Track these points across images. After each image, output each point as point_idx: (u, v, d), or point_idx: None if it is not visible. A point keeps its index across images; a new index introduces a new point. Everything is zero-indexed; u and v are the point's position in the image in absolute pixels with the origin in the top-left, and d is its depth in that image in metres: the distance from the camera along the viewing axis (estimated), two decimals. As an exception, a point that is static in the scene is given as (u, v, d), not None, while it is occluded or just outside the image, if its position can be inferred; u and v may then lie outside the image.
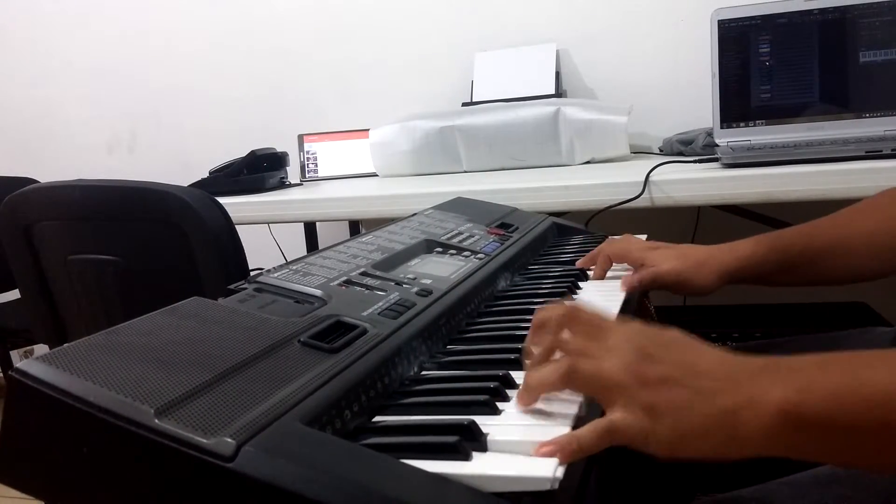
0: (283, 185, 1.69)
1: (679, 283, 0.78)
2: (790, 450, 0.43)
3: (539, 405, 0.49)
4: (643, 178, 1.18)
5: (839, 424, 0.41)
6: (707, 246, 0.81)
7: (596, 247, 0.88)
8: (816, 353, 0.45)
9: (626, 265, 0.86)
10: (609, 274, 0.85)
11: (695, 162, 1.31)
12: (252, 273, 0.67)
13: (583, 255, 0.88)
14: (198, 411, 0.40)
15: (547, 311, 0.53)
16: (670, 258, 0.79)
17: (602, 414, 0.46)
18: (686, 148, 1.51)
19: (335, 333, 0.54)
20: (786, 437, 0.42)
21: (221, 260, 1.04)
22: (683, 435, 0.43)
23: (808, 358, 0.44)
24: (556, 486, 0.39)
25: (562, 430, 0.45)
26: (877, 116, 1.31)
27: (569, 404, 0.48)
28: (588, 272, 0.86)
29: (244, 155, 1.62)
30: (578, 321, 0.51)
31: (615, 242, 0.87)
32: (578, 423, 0.46)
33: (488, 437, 0.44)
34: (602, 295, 0.76)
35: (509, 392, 0.51)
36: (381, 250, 0.77)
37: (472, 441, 0.43)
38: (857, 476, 0.57)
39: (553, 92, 1.70)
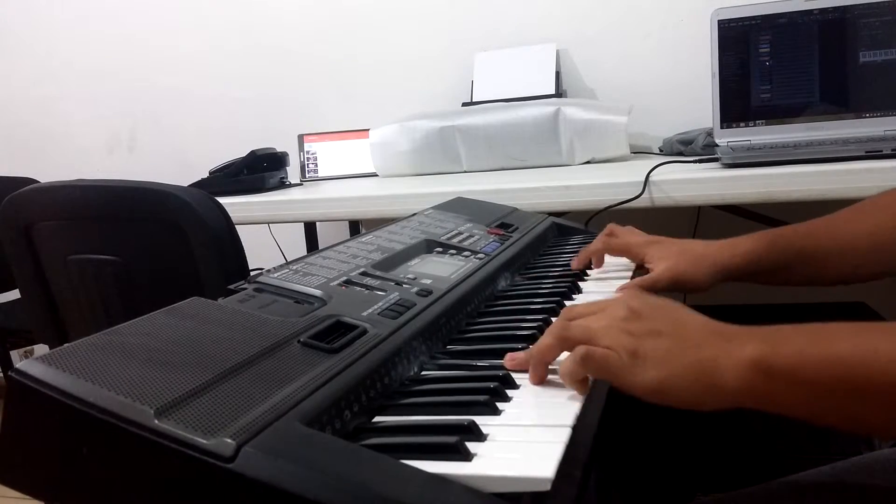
0: (283, 185, 1.69)
1: (676, 282, 0.78)
2: (760, 400, 0.47)
3: (539, 405, 0.49)
4: (643, 178, 1.18)
5: (802, 378, 0.45)
6: (707, 241, 0.81)
7: (597, 238, 0.88)
8: None
9: (624, 263, 0.86)
10: (608, 274, 0.85)
11: (695, 162, 1.31)
12: (252, 273, 0.67)
13: None
14: (198, 412, 0.40)
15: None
16: (668, 256, 0.79)
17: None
18: (686, 148, 1.51)
19: (335, 333, 0.54)
20: (756, 387, 0.46)
21: (221, 260, 1.04)
22: (666, 379, 0.48)
23: (787, 325, 0.49)
24: (550, 486, 0.39)
25: (562, 430, 0.45)
26: (877, 116, 1.31)
27: (569, 405, 0.49)
28: (588, 271, 0.86)
29: (244, 155, 1.62)
30: (576, 309, 0.56)
31: (616, 238, 0.86)
32: (578, 423, 0.46)
33: (488, 438, 0.44)
34: (602, 297, 0.76)
35: (509, 392, 0.51)
36: (381, 250, 0.77)
37: (472, 441, 0.43)
38: (858, 477, 0.57)
39: (553, 92, 1.70)
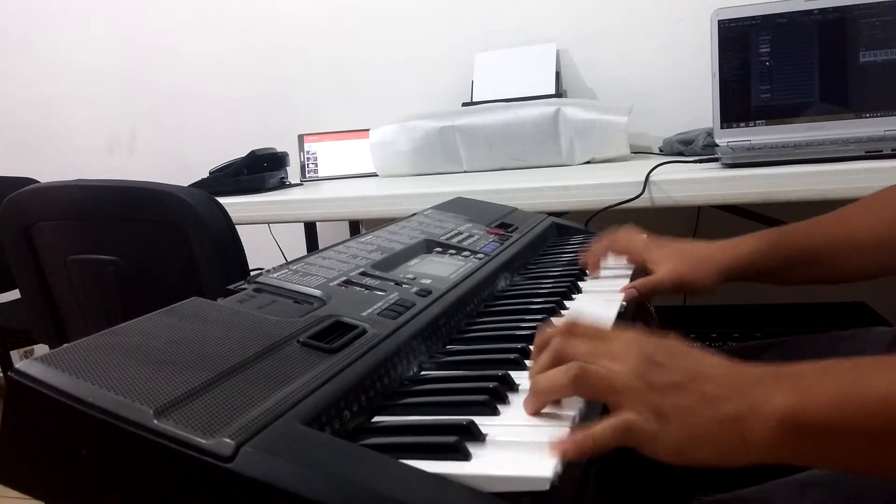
0: (283, 185, 1.69)
1: (678, 284, 0.78)
2: (795, 456, 0.43)
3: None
4: (643, 178, 1.18)
5: (840, 431, 0.41)
6: (708, 242, 0.80)
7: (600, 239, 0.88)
8: (817, 355, 0.45)
9: (624, 263, 0.86)
10: (608, 274, 0.85)
11: (695, 162, 1.31)
12: (252, 273, 0.67)
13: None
14: (197, 412, 0.40)
15: (546, 331, 0.53)
16: (669, 258, 0.79)
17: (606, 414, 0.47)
18: (686, 148, 1.51)
19: (335, 333, 0.54)
20: (789, 444, 0.42)
21: (221, 260, 1.04)
22: (690, 439, 0.44)
23: (809, 365, 0.45)
24: (550, 485, 0.39)
25: (562, 430, 0.45)
26: (877, 116, 1.31)
27: (569, 405, 0.48)
28: (587, 271, 0.86)
29: (244, 155, 1.62)
30: (579, 330, 0.51)
31: (618, 235, 0.86)
32: (578, 423, 0.46)
33: (488, 438, 0.44)
34: (602, 297, 0.76)
35: (509, 392, 0.51)
36: (381, 250, 0.77)
37: (472, 441, 0.43)
38: (858, 477, 0.57)
39: (553, 92, 1.70)
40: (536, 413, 0.48)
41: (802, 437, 0.42)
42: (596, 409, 0.49)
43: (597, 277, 0.85)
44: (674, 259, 0.78)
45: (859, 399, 0.41)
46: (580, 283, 0.81)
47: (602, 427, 0.45)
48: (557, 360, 0.50)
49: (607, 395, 0.47)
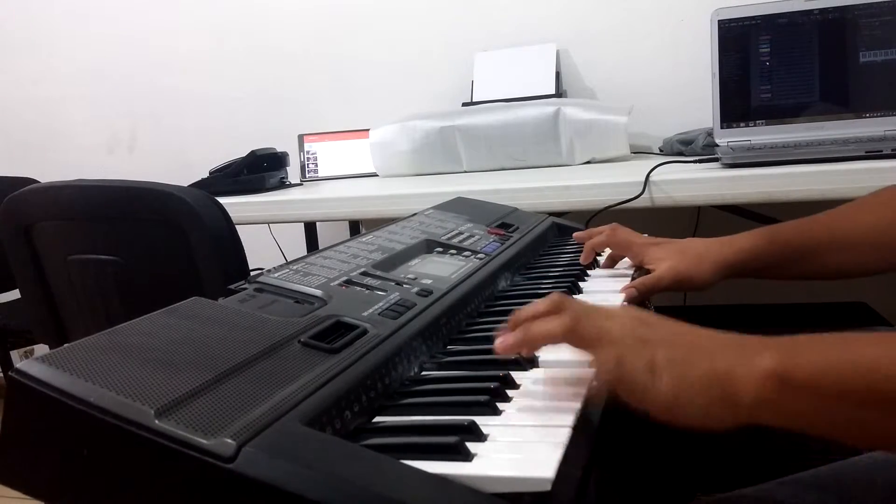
0: (283, 185, 1.69)
1: (678, 281, 0.78)
2: (780, 415, 0.44)
3: (539, 406, 0.49)
4: (643, 178, 1.18)
5: (826, 392, 0.42)
6: (706, 239, 0.81)
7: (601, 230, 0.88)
8: None
9: (624, 263, 0.86)
10: (608, 273, 0.85)
11: (695, 162, 1.31)
12: (252, 273, 0.67)
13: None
14: (198, 412, 0.40)
15: (533, 304, 0.53)
16: (668, 256, 0.79)
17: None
18: (686, 148, 1.51)
19: (335, 334, 0.54)
20: (776, 401, 0.43)
21: (221, 260, 1.04)
22: (679, 392, 0.45)
23: (801, 335, 0.46)
24: (550, 486, 0.39)
25: (562, 430, 0.45)
26: (877, 116, 1.31)
27: (569, 405, 0.48)
28: (588, 271, 0.86)
29: (244, 155, 1.62)
30: (571, 300, 0.52)
31: (619, 232, 0.86)
32: (578, 423, 0.46)
33: (489, 438, 0.44)
34: (602, 297, 0.76)
35: (510, 392, 0.51)
36: (382, 250, 0.77)
37: (473, 441, 0.43)
38: (858, 477, 0.57)
39: (553, 92, 1.70)
40: (511, 348, 0.49)
41: (789, 396, 0.43)
42: (598, 408, 0.49)
43: (598, 277, 0.85)
44: (672, 257, 0.79)
45: (847, 362, 0.42)
46: (581, 284, 0.81)
47: (599, 367, 0.47)
48: (553, 310, 0.51)
49: (598, 346, 0.48)
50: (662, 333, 0.48)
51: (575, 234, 0.89)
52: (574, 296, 0.77)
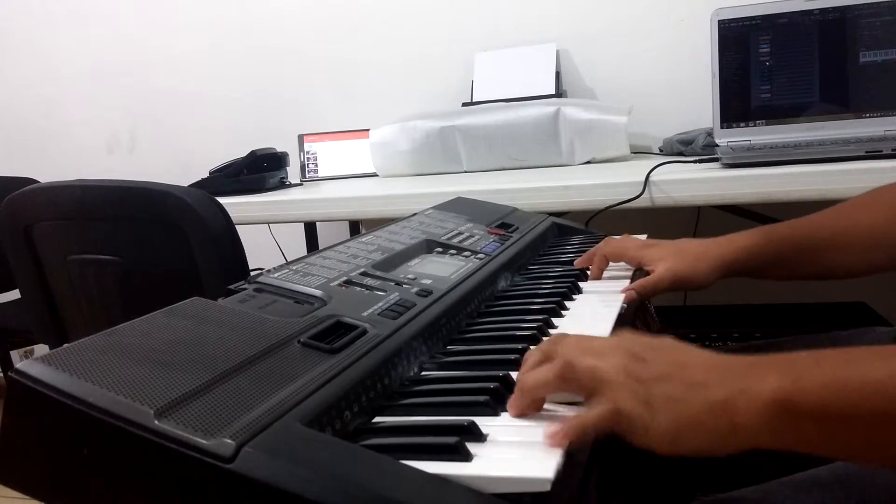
0: (283, 185, 1.69)
1: (677, 281, 0.78)
2: (785, 441, 0.43)
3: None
4: (643, 178, 1.18)
5: (833, 415, 0.41)
6: (704, 239, 0.81)
7: (595, 246, 0.88)
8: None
9: (624, 265, 0.86)
10: (608, 274, 0.85)
11: (695, 162, 1.31)
12: (252, 273, 0.67)
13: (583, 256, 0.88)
14: (197, 412, 0.40)
15: (534, 349, 0.53)
16: (666, 256, 0.79)
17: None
18: (686, 148, 1.51)
19: (335, 334, 0.54)
20: (780, 428, 0.42)
21: (221, 260, 1.04)
22: (680, 427, 0.44)
23: (801, 353, 0.45)
24: (550, 486, 0.39)
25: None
26: (877, 116, 1.31)
27: (568, 408, 0.49)
28: (587, 272, 0.86)
29: (244, 155, 1.62)
30: (567, 337, 0.52)
31: (612, 242, 0.86)
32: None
33: (488, 438, 0.44)
34: (601, 299, 0.76)
35: (510, 393, 0.51)
36: (381, 250, 0.77)
37: (472, 442, 0.43)
38: (858, 477, 0.57)
39: (553, 92, 1.70)
40: (522, 413, 0.48)
41: (794, 420, 0.42)
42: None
43: (595, 279, 0.84)
44: (670, 258, 0.78)
45: (853, 383, 0.41)
46: (580, 284, 0.81)
47: (594, 412, 0.45)
48: (545, 359, 0.50)
49: (594, 390, 0.47)
50: (658, 368, 0.47)
51: (577, 262, 0.87)
52: (574, 296, 0.77)
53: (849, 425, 0.41)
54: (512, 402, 0.48)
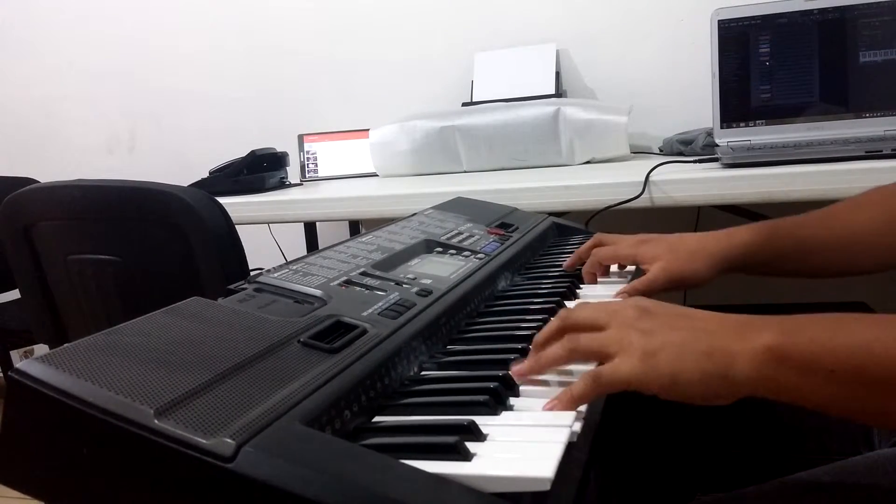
0: (283, 185, 1.69)
1: (672, 281, 0.76)
2: (775, 389, 0.46)
3: (539, 406, 0.49)
4: (643, 178, 1.18)
5: (820, 368, 0.44)
6: (700, 234, 0.80)
7: (583, 245, 0.86)
8: None
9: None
10: (607, 276, 0.85)
11: (695, 162, 1.31)
12: (252, 273, 0.67)
13: None
14: (197, 412, 0.40)
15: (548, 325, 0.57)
16: (661, 255, 0.77)
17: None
18: (686, 148, 1.51)
19: (335, 333, 0.54)
20: (771, 375, 0.46)
21: (221, 260, 1.04)
22: (680, 371, 0.47)
23: (800, 315, 0.48)
24: (550, 486, 0.39)
25: (561, 430, 0.45)
26: (877, 116, 1.31)
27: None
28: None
29: (244, 155, 1.62)
30: (574, 314, 0.55)
31: (603, 248, 0.83)
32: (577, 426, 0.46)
33: (488, 438, 0.44)
34: (602, 298, 0.76)
35: (509, 393, 0.51)
36: (381, 250, 0.77)
37: (472, 441, 0.43)
38: (858, 478, 0.57)
39: (553, 92, 1.70)
40: (530, 371, 0.53)
41: (784, 370, 0.45)
42: (597, 408, 0.49)
43: (589, 284, 0.83)
44: (665, 256, 0.77)
45: (841, 341, 0.45)
46: (580, 284, 0.81)
47: (579, 380, 0.49)
48: (562, 327, 0.54)
49: (600, 352, 0.51)
50: (663, 319, 0.51)
51: (565, 265, 0.86)
52: (574, 296, 0.77)
53: (834, 379, 0.44)
54: (523, 365, 0.53)
